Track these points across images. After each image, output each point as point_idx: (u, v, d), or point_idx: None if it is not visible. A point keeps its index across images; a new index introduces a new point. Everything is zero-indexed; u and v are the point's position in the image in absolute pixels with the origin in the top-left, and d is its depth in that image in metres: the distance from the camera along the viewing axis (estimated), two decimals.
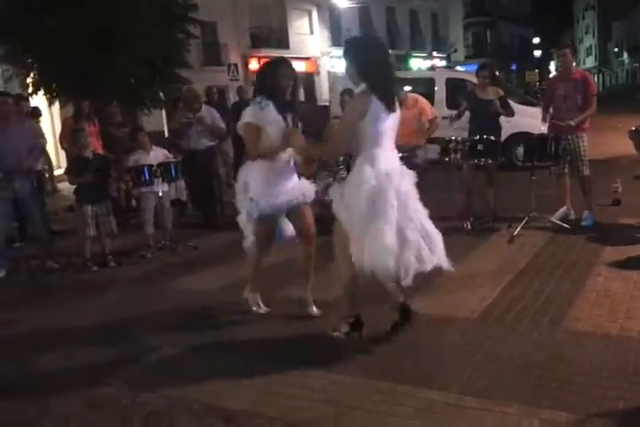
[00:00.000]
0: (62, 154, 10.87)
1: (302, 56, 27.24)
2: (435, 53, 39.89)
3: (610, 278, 4.79)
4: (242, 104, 9.21)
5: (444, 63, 38.76)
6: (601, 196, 7.11)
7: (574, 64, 6.62)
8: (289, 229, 4.39)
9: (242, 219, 4.28)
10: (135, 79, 11.35)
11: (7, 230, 5.98)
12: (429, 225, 3.68)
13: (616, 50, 60.31)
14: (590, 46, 69.36)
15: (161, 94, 12.24)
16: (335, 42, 29.35)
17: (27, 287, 5.62)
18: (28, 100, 10.05)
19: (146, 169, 6.25)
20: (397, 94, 3.77)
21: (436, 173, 6.82)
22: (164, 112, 15.96)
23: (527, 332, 3.88)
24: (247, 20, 26.17)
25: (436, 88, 11.96)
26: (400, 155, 3.80)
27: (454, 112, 7.28)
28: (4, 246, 6.01)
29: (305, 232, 4.28)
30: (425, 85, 11.77)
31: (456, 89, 11.34)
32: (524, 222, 6.30)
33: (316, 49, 30.30)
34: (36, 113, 10.85)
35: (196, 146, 7.57)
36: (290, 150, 4.12)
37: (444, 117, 7.55)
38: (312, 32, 30.39)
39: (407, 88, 8.05)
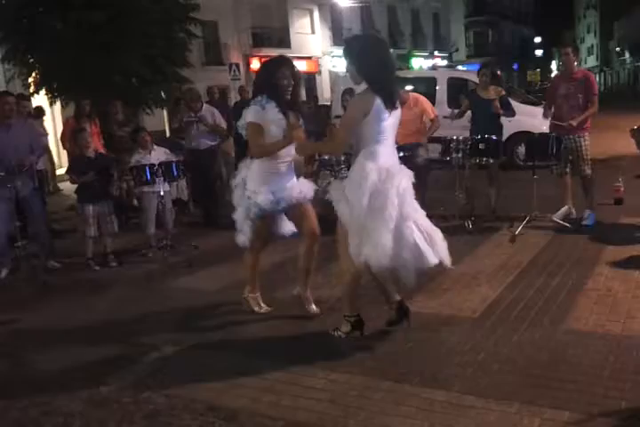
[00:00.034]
0: (64, 153, 10.88)
1: (303, 56, 27.18)
2: (436, 53, 39.81)
3: (611, 278, 4.78)
4: (243, 104, 9.19)
5: (445, 62, 38.70)
6: (602, 195, 7.09)
7: (576, 63, 6.60)
8: (286, 226, 4.39)
9: (238, 215, 4.28)
10: (137, 79, 11.37)
11: (8, 230, 5.98)
12: (427, 223, 3.68)
13: (618, 49, 60.16)
14: (592, 46, 69.26)
15: (162, 94, 12.25)
16: (336, 41, 29.28)
17: (28, 287, 5.62)
18: (29, 99, 10.05)
19: (147, 168, 6.25)
20: (398, 93, 3.77)
21: (437, 173, 6.81)
22: (165, 112, 15.98)
23: (529, 331, 3.87)
24: (248, 19, 26.13)
25: (437, 87, 11.94)
26: (401, 154, 3.80)
27: (456, 111, 7.29)
28: (6, 246, 6.01)
29: (309, 230, 4.26)
30: (426, 85, 11.75)
31: (457, 88, 11.32)
32: (525, 222, 6.31)
33: (317, 48, 30.26)
34: (39, 112, 10.88)
35: (197, 145, 7.58)
36: (291, 151, 4.11)
37: (445, 117, 7.55)
38: (313, 31, 30.35)
39: (409, 87, 8.03)
